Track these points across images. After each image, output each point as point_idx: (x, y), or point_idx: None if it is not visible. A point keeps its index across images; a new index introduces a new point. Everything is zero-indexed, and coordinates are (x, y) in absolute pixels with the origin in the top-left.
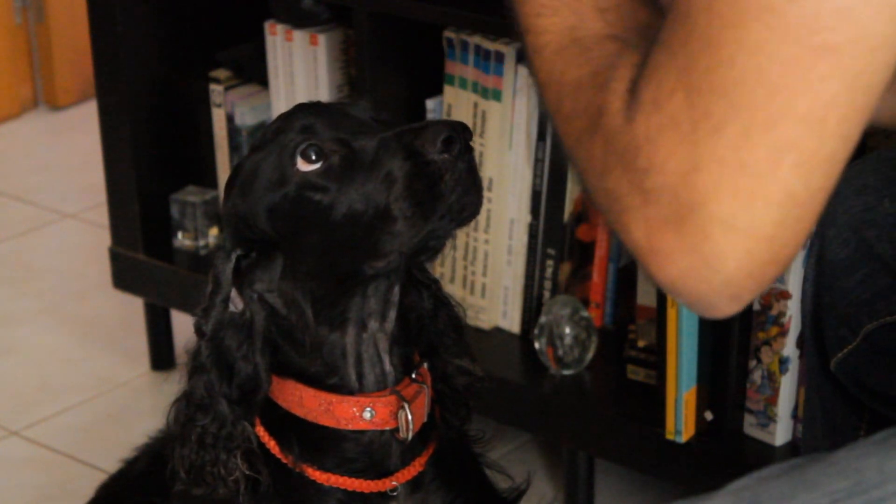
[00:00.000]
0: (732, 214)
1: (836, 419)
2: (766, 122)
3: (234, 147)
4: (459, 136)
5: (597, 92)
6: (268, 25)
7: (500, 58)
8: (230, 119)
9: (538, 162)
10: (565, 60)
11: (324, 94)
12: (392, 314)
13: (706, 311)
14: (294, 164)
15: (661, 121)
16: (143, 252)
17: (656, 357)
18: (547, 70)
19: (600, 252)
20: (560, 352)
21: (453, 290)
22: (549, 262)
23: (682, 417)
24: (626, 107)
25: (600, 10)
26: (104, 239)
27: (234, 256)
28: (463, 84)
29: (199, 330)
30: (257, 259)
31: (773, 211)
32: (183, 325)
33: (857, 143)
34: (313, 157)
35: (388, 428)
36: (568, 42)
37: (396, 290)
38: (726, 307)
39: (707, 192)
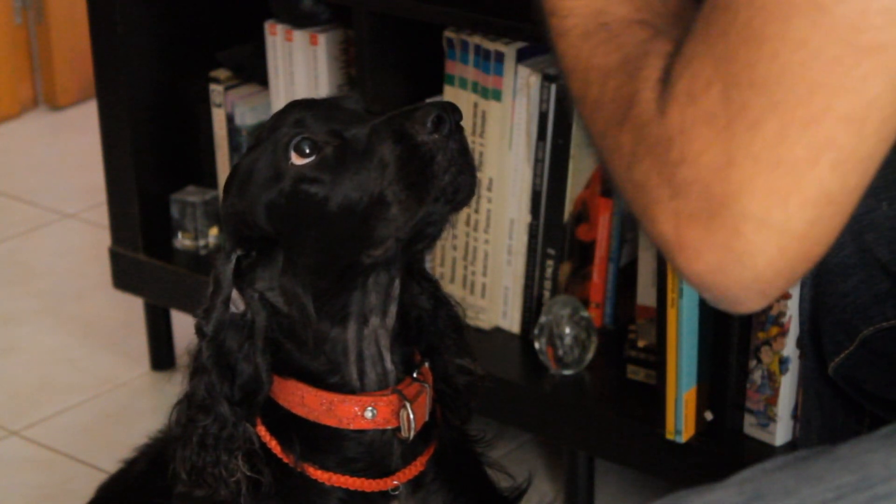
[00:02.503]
0: (766, 211)
1: (836, 423)
2: (805, 120)
3: (234, 147)
4: (449, 116)
5: (627, 80)
6: (268, 25)
7: (500, 58)
8: (230, 119)
9: (538, 162)
10: (592, 45)
11: (323, 94)
12: (393, 309)
13: (732, 306)
14: (288, 158)
15: (695, 113)
16: (143, 252)
17: (656, 357)
18: (573, 55)
19: (600, 252)
20: (560, 352)
21: (453, 290)
22: (549, 262)
23: (682, 417)
24: (658, 97)
25: None
26: (104, 239)
27: (234, 257)
28: (463, 84)
29: (199, 331)
30: (257, 258)
31: (807, 209)
32: (183, 326)
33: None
34: (307, 151)
35: (389, 427)
36: (594, 26)
37: (396, 283)
38: (753, 303)
39: (741, 188)
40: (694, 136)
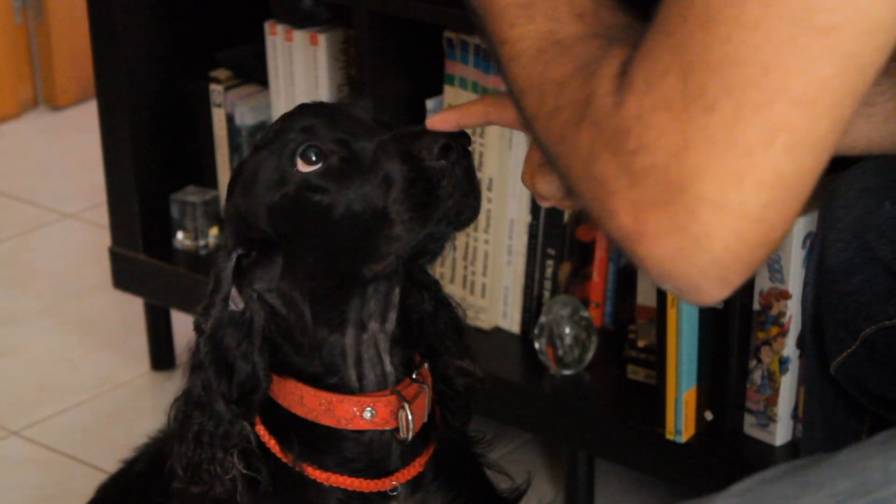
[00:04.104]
0: (721, 194)
1: (837, 422)
2: (758, 102)
3: (234, 147)
4: (456, 143)
5: (584, 81)
6: (268, 25)
7: None
8: (230, 119)
9: None
10: (546, 61)
11: (324, 94)
12: (392, 315)
13: (693, 296)
14: (294, 164)
15: (653, 101)
16: (143, 252)
17: (656, 357)
18: (526, 75)
19: (600, 252)
20: (560, 352)
21: (453, 290)
22: (549, 262)
23: (682, 417)
24: (615, 90)
25: (578, 14)
26: (104, 239)
27: (234, 256)
28: (463, 84)
29: (198, 327)
30: (258, 258)
31: (762, 192)
32: (183, 325)
33: (847, 127)
34: (313, 158)
35: (388, 428)
36: (547, 45)
37: (397, 291)
38: (714, 291)
39: (697, 172)
40: (652, 122)
